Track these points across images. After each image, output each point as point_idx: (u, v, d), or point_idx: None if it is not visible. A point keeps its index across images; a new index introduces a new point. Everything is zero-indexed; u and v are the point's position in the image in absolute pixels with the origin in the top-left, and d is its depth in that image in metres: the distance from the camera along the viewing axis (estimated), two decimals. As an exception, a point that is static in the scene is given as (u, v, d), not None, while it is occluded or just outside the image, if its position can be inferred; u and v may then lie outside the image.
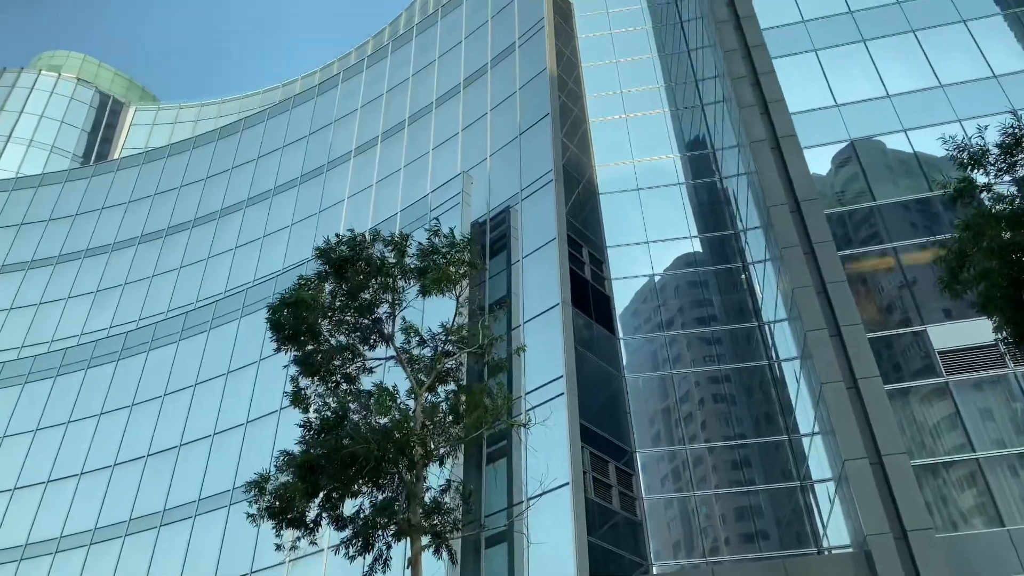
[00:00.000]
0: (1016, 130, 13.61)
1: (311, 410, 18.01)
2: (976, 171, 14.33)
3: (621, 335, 29.01)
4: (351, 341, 18.62)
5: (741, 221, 30.04)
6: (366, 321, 18.77)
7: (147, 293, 41.41)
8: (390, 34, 51.79)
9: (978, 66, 25.61)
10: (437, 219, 20.66)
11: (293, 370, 18.44)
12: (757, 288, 28.43)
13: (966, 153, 14.09)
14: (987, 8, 27.26)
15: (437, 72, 40.02)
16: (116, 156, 58.13)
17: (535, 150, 30.68)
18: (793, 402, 24.63)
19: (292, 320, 17.83)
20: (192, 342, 36.73)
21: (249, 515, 16.99)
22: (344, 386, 18.48)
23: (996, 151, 13.86)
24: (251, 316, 34.88)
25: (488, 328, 20.74)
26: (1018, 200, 13.71)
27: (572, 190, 30.55)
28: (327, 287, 18.72)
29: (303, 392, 18.23)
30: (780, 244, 22.74)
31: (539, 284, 26.56)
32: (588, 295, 27.83)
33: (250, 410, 31.94)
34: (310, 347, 18.28)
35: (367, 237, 19.04)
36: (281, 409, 29.50)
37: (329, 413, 17.42)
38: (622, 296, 30.11)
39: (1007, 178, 14.24)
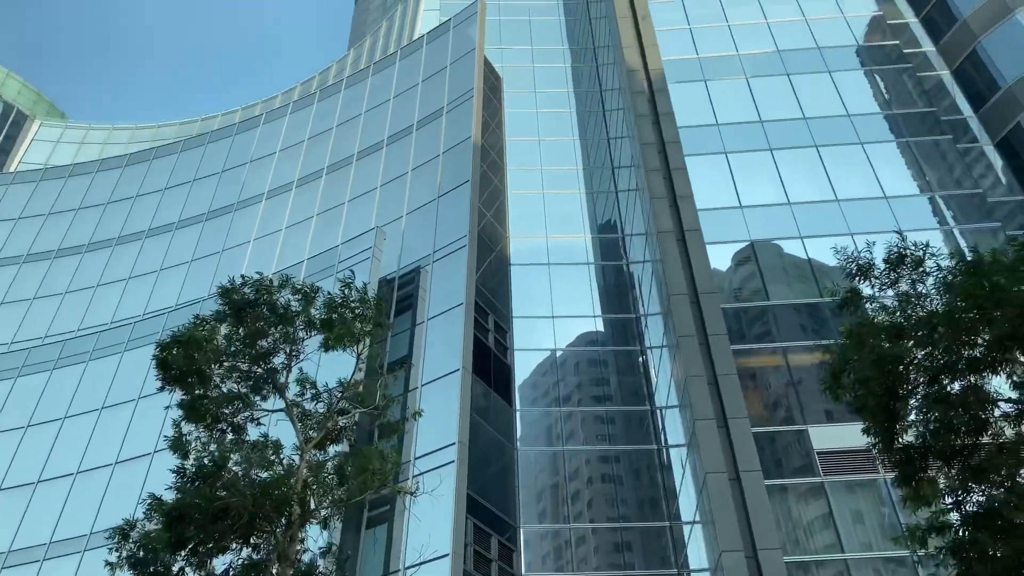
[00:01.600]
0: (900, 248, 14.57)
1: (190, 457, 17.15)
2: (863, 282, 15.19)
3: (518, 407, 29.01)
4: (242, 390, 17.95)
5: (643, 306, 30.86)
6: (260, 370, 18.17)
7: (24, 316, 39.00)
8: (319, 83, 51.75)
9: (871, 186, 27.49)
10: (351, 271, 20.42)
11: (176, 413, 17.59)
12: (653, 373, 29.07)
13: (855, 264, 14.96)
14: (883, 134, 29.47)
15: (362, 126, 40.09)
16: (12, 169, 55.27)
17: (452, 214, 30.90)
18: (678, 489, 25.01)
19: (182, 360, 17.10)
20: (67, 372, 34.62)
21: (108, 563, 15.87)
22: (229, 435, 17.74)
23: (882, 266, 14.77)
24: (136, 351, 33.25)
25: (386, 388, 20.41)
26: (898, 314, 14.58)
27: (484, 258, 30.80)
28: (223, 329, 18.08)
29: (184, 437, 17.38)
30: (677, 332, 23.42)
31: (441, 348, 26.40)
32: (489, 363, 27.82)
33: (121, 450, 30.14)
34: (198, 391, 17.53)
35: (274, 282, 18.59)
36: (155, 452, 27.95)
37: (208, 461, 16.61)
38: (523, 368, 30.24)
39: (890, 292, 15.14)
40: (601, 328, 32.49)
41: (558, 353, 31.08)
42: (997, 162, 30.65)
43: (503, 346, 29.73)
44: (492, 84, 40.01)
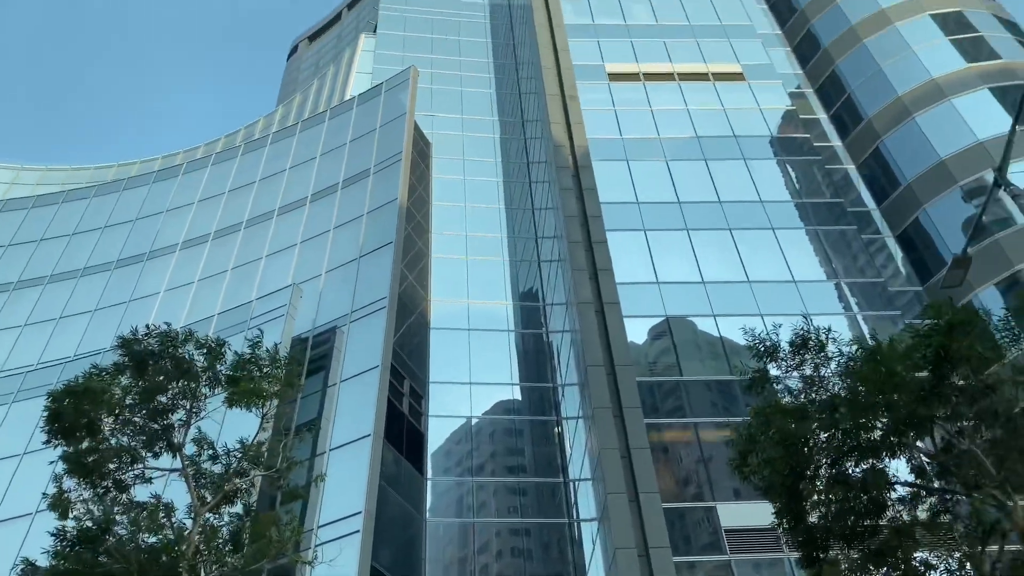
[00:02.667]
0: (805, 332, 15.08)
1: (71, 516, 16.01)
2: (770, 363, 15.61)
3: (430, 475, 28.38)
4: (133, 444, 17.00)
5: (561, 376, 30.93)
6: (156, 426, 17.28)
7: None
8: (244, 136, 51.19)
9: (781, 269, 28.55)
10: (260, 330, 19.82)
11: (60, 467, 16.48)
12: (568, 444, 28.97)
13: (762, 346, 15.39)
14: (793, 221, 30.79)
15: (286, 181, 39.66)
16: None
17: (373, 275, 30.58)
18: (587, 564, 24.70)
19: (72, 411, 16.11)
20: (-55, 424, 32.25)
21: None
22: (115, 494, 16.67)
23: (787, 348, 15.23)
24: (26, 402, 31.25)
25: (290, 451, 19.66)
26: (802, 396, 14.99)
27: (404, 320, 30.47)
28: (122, 381, 17.21)
29: (66, 495, 16.25)
30: (593, 404, 23.48)
31: (353, 411, 25.74)
32: (402, 429, 27.24)
33: (-1, 509, 28.04)
34: (86, 444, 16.50)
35: (180, 335, 17.87)
36: (37, 512, 26.07)
37: (91, 523, 15.52)
38: (437, 435, 29.71)
39: (795, 374, 15.57)
40: (518, 396, 32.33)
41: (474, 421, 30.70)
42: (898, 254, 32.34)
43: (418, 412, 29.22)
44: (421, 149, 40.35)
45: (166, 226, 40.43)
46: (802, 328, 14.97)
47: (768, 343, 15.21)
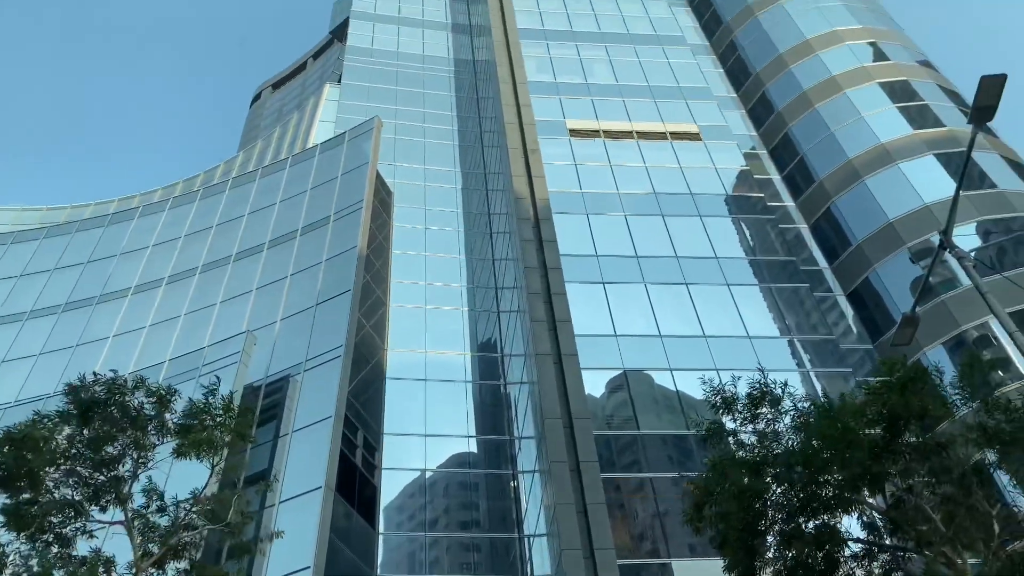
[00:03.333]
0: (761, 386, 15.26)
1: (6, 573, 15.29)
2: (726, 416, 15.72)
3: (382, 530, 27.76)
4: (78, 497, 16.36)
5: (518, 428, 30.72)
6: (102, 477, 16.68)
7: None
8: (203, 181, 50.81)
9: (736, 325, 28.97)
10: (218, 376, 19.41)
11: (-1, 519, 15.78)
12: (523, 499, 28.63)
13: (719, 397, 15.52)
14: (748, 278, 31.38)
15: (244, 227, 39.31)
16: None
17: (329, 323, 30.24)
18: (542, 622, 24.24)
19: (12, 460, 15.50)
20: None
21: None
22: (56, 548, 15.98)
23: (744, 400, 15.37)
24: (-39, 449, 29.98)
25: (241, 504, 19.10)
26: (757, 449, 15.08)
27: (359, 370, 30.08)
28: (66, 429, 16.63)
29: (3, 549, 15.53)
30: (550, 458, 23.31)
31: (305, 463, 25.16)
32: (355, 482, 26.68)
33: (-74, 563, 26.61)
34: (26, 496, 15.85)
35: (129, 382, 17.39)
36: (-33, 566, 24.83)
37: (26, 579, 14.84)
38: (390, 488, 29.14)
39: (750, 427, 15.69)
40: (474, 449, 31.96)
41: (428, 474, 30.22)
42: (849, 312, 33.07)
43: (371, 464, 28.69)
44: (383, 198, 40.40)
45: (119, 270, 39.65)
46: (759, 382, 15.15)
47: (725, 394, 15.35)
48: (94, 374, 17.48)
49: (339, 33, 74.64)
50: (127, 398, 17.10)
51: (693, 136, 38.74)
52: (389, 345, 34.34)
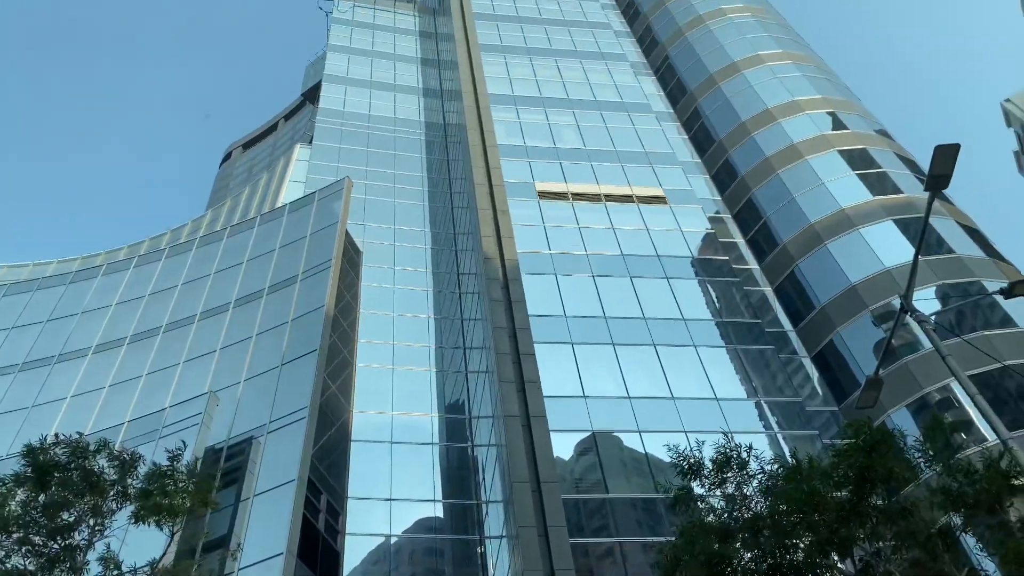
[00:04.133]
0: (727, 450, 15.26)
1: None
2: (694, 481, 15.64)
3: (344, 597, 26.92)
4: (31, 567, 15.69)
5: (485, 492, 30.24)
6: (56, 547, 16.04)
7: None
8: (170, 240, 50.40)
9: (704, 386, 29.07)
10: (183, 442, 18.96)
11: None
12: (490, 565, 28.03)
13: (687, 463, 15.46)
14: (715, 340, 31.61)
15: (210, 286, 38.91)
16: None
17: (294, 384, 29.80)
18: None
19: (-40, 528, 14.87)
20: None
21: None
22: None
23: (710, 465, 15.33)
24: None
25: (201, 573, 18.47)
26: (725, 515, 14.99)
27: (324, 432, 29.56)
28: (19, 494, 16.03)
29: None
30: (517, 522, 22.93)
31: (266, 527, 24.46)
32: (317, 548, 25.96)
33: None
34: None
35: (90, 445, 16.89)
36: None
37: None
38: (354, 554, 28.38)
39: (719, 492, 15.62)
40: (441, 514, 31.35)
41: (393, 539, 29.53)
42: (814, 373, 33.39)
43: (334, 530, 27.97)
44: (351, 257, 40.34)
45: (80, 328, 38.89)
46: (724, 446, 15.15)
47: (692, 460, 15.31)
48: (55, 436, 16.98)
49: (311, 95, 75.50)
50: (89, 461, 16.60)
51: (659, 200, 39.44)
52: (355, 406, 33.85)
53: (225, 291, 38.02)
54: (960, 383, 13.15)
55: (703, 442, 15.60)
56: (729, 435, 15.37)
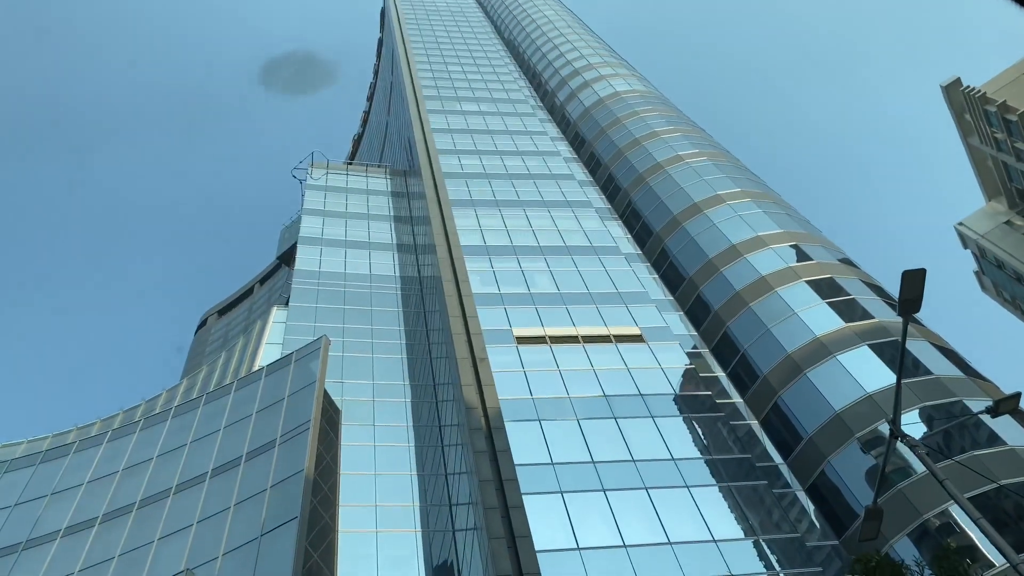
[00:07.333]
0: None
1: None
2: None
3: None
4: None
5: (481, 661, 28.39)
6: None
7: None
8: (144, 411, 49.36)
9: (700, 529, 28.17)
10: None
11: None
12: None
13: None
14: (706, 479, 30.97)
15: (186, 456, 37.79)
16: None
17: (275, 555, 28.43)
18: None
19: None
20: None
21: None
22: None
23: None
24: None
25: None
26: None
27: (307, 606, 27.93)
28: None
29: None
30: None
31: None
32: None
33: None
34: None
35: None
36: None
37: None
38: None
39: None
40: None
41: None
42: (810, 506, 32.60)
43: None
44: (330, 416, 39.65)
45: (49, 510, 37.24)
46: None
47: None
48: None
49: (286, 257, 76.72)
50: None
51: (637, 338, 39.71)
52: (339, 575, 32.22)
53: (202, 461, 36.92)
54: (962, 507, 12.87)
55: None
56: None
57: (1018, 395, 14.02)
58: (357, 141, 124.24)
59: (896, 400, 14.25)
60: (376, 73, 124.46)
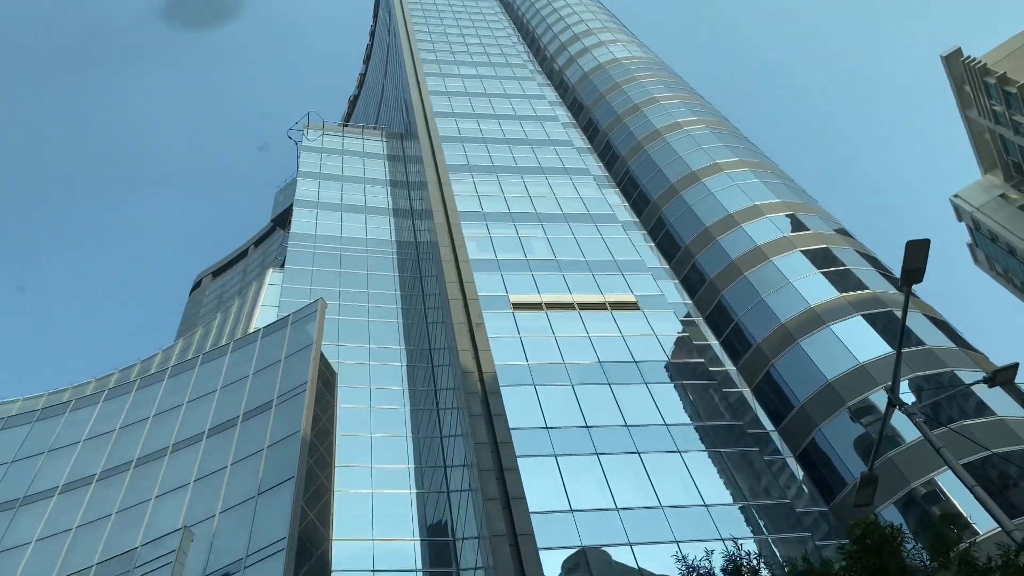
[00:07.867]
0: (736, 558, 14.87)
1: None
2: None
3: None
4: None
5: (474, 619, 28.97)
6: None
7: None
8: (140, 371, 49.52)
9: (691, 493, 28.59)
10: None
11: None
12: None
13: (696, 574, 15.00)
14: (697, 444, 31.35)
15: (182, 416, 38.02)
16: None
17: (272, 514, 28.78)
18: None
19: None
20: None
21: None
22: None
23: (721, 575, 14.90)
24: None
25: None
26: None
27: (303, 564, 28.34)
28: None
29: None
30: (512, 649, 21.91)
31: (246, 672, 23.07)
32: None
33: None
34: None
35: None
36: None
37: None
38: None
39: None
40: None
41: (379, 676, 27.94)
42: (799, 473, 33.09)
43: (318, 668, 26.46)
44: (327, 378, 39.86)
45: (46, 468, 37.50)
46: (734, 554, 14.79)
47: (702, 571, 14.89)
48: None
49: (281, 220, 76.47)
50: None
51: (632, 306, 39.90)
52: (334, 535, 32.64)
53: (199, 421, 37.16)
54: (957, 475, 13.13)
55: (712, 551, 15.22)
56: (737, 543, 15.02)
57: (1015, 366, 14.23)
58: (353, 102, 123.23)
59: (896, 369, 14.41)
60: (372, 35, 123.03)
